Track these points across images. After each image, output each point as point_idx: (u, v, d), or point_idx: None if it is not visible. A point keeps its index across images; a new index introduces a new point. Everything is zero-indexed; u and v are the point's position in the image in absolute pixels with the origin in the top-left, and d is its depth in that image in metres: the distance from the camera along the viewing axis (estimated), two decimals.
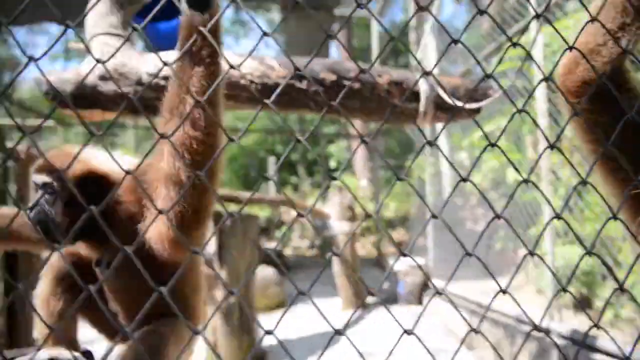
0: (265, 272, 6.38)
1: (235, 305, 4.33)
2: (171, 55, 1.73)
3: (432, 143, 1.02)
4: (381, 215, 10.05)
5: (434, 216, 1.06)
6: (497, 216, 1.04)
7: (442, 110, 1.84)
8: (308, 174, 16.96)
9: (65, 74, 1.62)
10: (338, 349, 4.80)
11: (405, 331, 1.02)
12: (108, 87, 1.60)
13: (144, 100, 1.64)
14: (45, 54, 0.95)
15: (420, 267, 1.36)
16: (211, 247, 4.45)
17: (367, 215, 1.03)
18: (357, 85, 1.64)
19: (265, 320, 5.58)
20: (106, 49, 1.64)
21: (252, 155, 16.73)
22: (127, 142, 15.00)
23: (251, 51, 1.06)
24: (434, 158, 6.96)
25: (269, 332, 0.93)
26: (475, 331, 0.96)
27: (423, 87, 1.73)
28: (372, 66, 1.12)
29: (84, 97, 1.63)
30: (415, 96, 1.78)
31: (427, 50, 5.84)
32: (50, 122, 8.71)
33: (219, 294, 4.27)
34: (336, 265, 6.68)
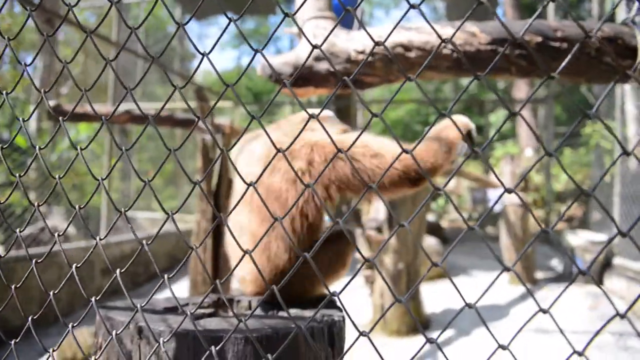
0: (427, 242, 6.42)
1: (404, 271, 4.48)
2: (375, 32, 1.84)
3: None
4: (551, 187, 9.25)
5: None
6: None
7: None
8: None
9: (286, 57, 1.84)
10: (506, 323, 4.67)
11: (620, 314, 0.87)
12: (321, 66, 1.78)
13: (351, 76, 1.77)
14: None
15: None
16: (381, 214, 4.63)
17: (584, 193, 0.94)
18: (564, 45, 1.56)
19: (428, 289, 5.65)
20: (317, 31, 1.83)
21: (405, 127, 16.65)
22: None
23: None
24: (618, 123, 6.15)
25: (469, 306, 0.79)
26: None
27: None
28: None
29: (300, 76, 1.83)
30: (631, 52, 1.62)
31: None
32: (228, 104, 9.81)
33: (389, 259, 4.45)
34: (505, 238, 6.40)
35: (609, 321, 0.69)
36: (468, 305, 0.72)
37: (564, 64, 0.75)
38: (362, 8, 5.04)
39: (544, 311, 0.67)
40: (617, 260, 5.65)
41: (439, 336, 0.74)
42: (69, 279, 1.26)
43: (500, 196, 0.79)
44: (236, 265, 1.03)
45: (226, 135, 3.51)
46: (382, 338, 4.39)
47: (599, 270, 5.91)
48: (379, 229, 4.93)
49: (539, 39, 1.55)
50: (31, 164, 1.24)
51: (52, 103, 3.93)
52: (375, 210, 5.17)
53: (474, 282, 6.40)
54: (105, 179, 1.14)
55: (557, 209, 9.75)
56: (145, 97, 10.44)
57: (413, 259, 4.52)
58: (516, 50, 1.55)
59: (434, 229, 8.47)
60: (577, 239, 6.40)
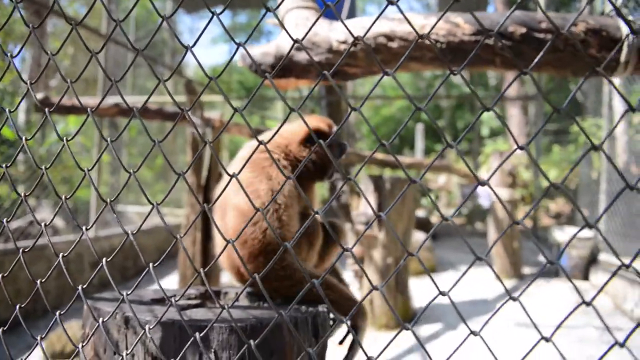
0: (415, 237, 6.47)
1: (392, 266, 4.51)
2: (359, 23, 1.85)
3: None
4: (539, 184, 9.35)
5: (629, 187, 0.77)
6: None
7: None
8: (455, 141, 16.31)
9: (266, 47, 1.85)
10: (492, 317, 4.74)
11: (585, 302, 0.89)
12: (301, 56, 1.78)
13: (333, 66, 1.78)
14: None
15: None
16: (371, 209, 4.66)
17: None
18: (549, 36, 1.58)
19: (416, 284, 5.69)
20: (299, 20, 1.83)
21: (397, 123, 16.69)
22: (276, 115, 15.95)
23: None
24: (606, 121, 6.22)
25: (442, 294, 0.84)
26: None
27: (626, 33, 1.59)
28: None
29: (281, 67, 1.83)
30: (616, 44, 1.64)
31: None
32: (218, 98, 9.78)
33: (378, 254, 4.48)
34: (493, 234, 6.47)
35: (574, 309, 0.72)
36: (442, 293, 0.74)
37: (538, 57, 0.76)
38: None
39: (514, 299, 0.70)
40: (602, 256, 5.73)
41: (413, 324, 0.76)
42: (58, 272, 1.27)
43: (474, 189, 0.81)
44: (218, 256, 1.05)
45: (216, 129, 3.51)
46: (372, 332, 4.43)
47: (585, 266, 5.99)
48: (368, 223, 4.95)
49: (524, 30, 1.57)
50: (17, 155, 1.24)
51: (40, 95, 3.90)
52: (365, 205, 5.20)
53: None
54: (91, 169, 1.15)
55: (545, 205, 9.84)
56: (136, 90, 10.36)
57: (402, 254, 4.55)
58: (500, 43, 1.57)
59: (424, 225, 8.53)
60: (563, 234, 6.49)
